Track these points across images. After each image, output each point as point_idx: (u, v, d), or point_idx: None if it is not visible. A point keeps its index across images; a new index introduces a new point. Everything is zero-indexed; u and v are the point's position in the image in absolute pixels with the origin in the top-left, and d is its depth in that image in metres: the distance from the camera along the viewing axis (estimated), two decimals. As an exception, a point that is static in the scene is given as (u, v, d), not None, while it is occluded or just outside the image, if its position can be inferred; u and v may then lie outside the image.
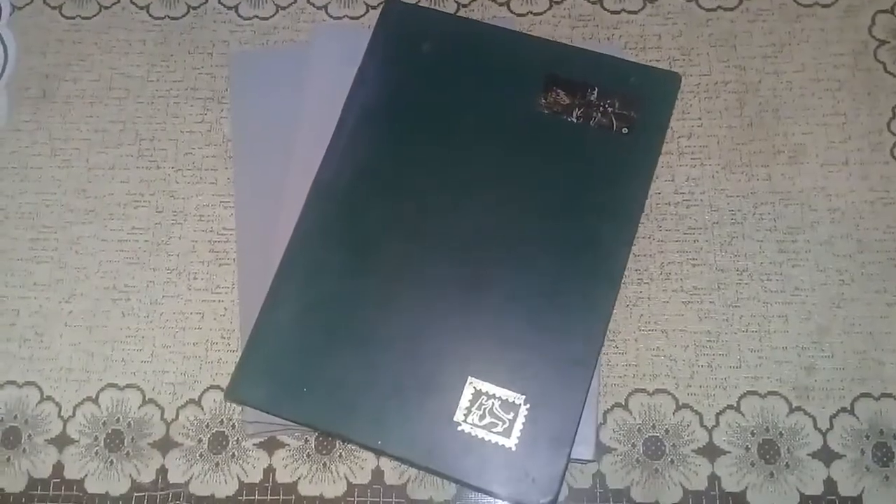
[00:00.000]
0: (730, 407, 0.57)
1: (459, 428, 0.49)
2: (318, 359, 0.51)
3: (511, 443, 0.49)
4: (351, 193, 0.55)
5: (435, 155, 0.55)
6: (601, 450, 0.56)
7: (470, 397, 0.50)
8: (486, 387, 0.50)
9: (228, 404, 0.58)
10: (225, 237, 0.62)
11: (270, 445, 0.57)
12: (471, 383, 0.50)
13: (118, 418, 0.59)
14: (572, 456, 0.51)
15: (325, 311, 0.52)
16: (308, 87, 0.62)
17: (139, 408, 0.59)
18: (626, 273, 0.58)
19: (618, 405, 0.57)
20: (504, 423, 0.49)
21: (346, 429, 0.50)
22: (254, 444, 0.57)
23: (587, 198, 0.53)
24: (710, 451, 0.56)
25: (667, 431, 0.56)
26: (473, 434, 0.49)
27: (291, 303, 0.52)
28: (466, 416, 0.49)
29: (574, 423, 0.49)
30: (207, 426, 0.58)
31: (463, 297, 0.51)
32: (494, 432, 0.49)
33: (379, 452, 0.53)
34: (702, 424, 0.56)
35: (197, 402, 0.59)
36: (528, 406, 0.49)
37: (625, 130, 0.55)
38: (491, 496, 0.52)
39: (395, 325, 0.51)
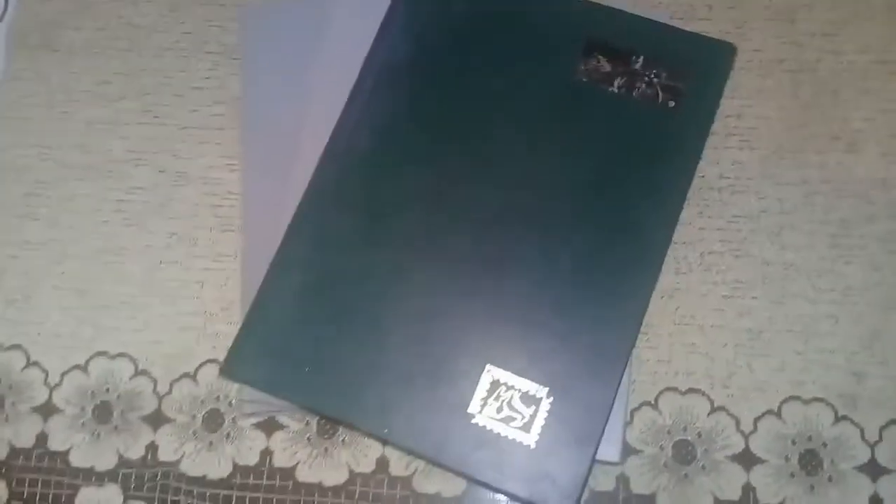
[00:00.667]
0: (770, 412, 0.52)
1: (474, 420, 0.45)
2: (323, 337, 0.47)
3: (531, 439, 0.44)
4: (367, 158, 0.50)
5: (461, 121, 0.50)
6: (627, 451, 0.51)
7: (487, 387, 0.45)
8: (505, 376, 0.45)
9: (226, 380, 0.54)
10: (230, 202, 0.57)
11: (269, 426, 0.53)
12: (489, 371, 0.45)
13: (107, 389, 0.55)
14: (597, 457, 0.46)
15: (334, 285, 0.48)
16: (325, 43, 0.57)
17: (130, 379, 0.55)
18: (665, 263, 0.54)
19: (647, 404, 0.52)
20: (524, 417, 0.44)
21: (351, 415, 0.46)
22: (251, 425, 0.53)
23: (627, 175, 0.49)
24: (746, 459, 0.51)
25: (699, 435, 0.52)
26: (489, 428, 0.44)
27: (297, 274, 0.48)
28: (482, 407, 0.45)
29: (602, 421, 0.44)
30: (202, 402, 0.54)
31: (485, 275, 0.47)
32: (513, 427, 0.44)
33: (385, 442, 0.48)
34: (738, 429, 0.52)
35: (192, 377, 0.54)
36: (551, 400, 0.45)
37: (671, 103, 0.50)
38: (506, 496, 0.47)
39: (408, 303, 0.47)
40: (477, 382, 0.45)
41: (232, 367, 0.48)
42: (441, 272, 0.47)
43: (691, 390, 0.52)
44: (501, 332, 0.46)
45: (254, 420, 0.53)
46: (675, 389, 0.52)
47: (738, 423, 0.52)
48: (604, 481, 0.51)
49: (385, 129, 0.51)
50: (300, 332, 0.47)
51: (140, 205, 0.58)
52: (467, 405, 0.45)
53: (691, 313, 0.54)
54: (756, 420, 0.52)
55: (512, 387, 0.45)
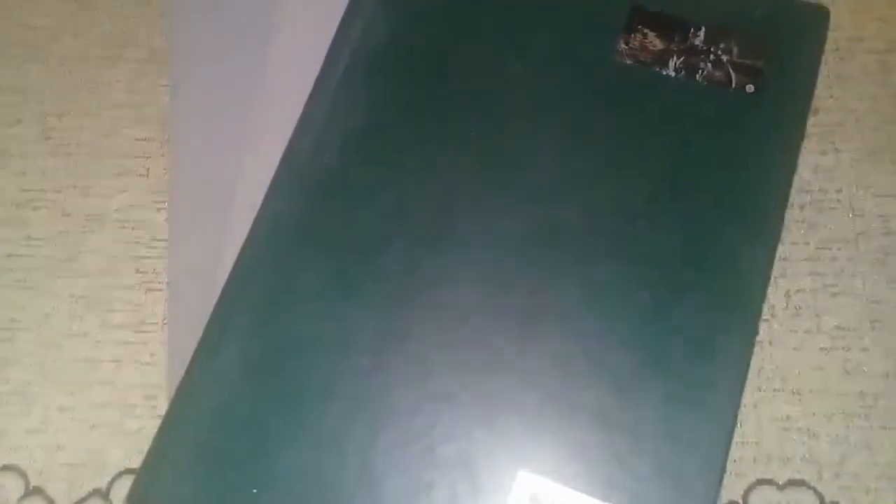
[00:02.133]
0: (902, 508, 0.38)
1: None
2: (277, 441, 0.32)
3: None
4: (337, 173, 0.36)
5: (464, 120, 0.37)
6: (711, 574, 0.37)
7: (525, 502, 0.31)
8: (548, 488, 0.31)
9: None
10: (157, 251, 0.43)
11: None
12: (523, 480, 0.31)
13: (-12, 517, 0.40)
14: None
15: (293, 361, 0.34)
16: (277, 37, 0.44)
17: (19, 501, 0.40)
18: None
19: (732, 504, 0.38)
20: None
21: None
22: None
23: (699, 189, 0.35)
24: (879, 578, 0.37)
25: (809, 545, 0.37)
26: None
27: (238, 346, 0.33)
28: None
29: None
30: (118, 531, 0.39)
31: (510, 339, 0.33)
32: None
33: None
34: (862, 535, 0.37)
35: (104, 495, 0.40)
36: None
37: (750, 88, 0.36)
38: None
39: (403, 383, 0.33)
40: (506, 498, 0.31)
41: (143, 490, 0.33)
42: (447, 336, 0.33)
43: (792, 482, 0.38)
44: (538, 422, 0.32)
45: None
46: (770, 482, 0.38)
47: (860, 524, 0.38)
48: None
49: (361, 134, 0.37)
50: (243, 435, 0.33)
51: (38, 259, 0.44)
52: None
53: (781, 375, 0.40)
54: (885, 520, 0.38)
55: (558, 501, 0.31)
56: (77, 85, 0.47)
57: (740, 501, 0.38)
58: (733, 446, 0.38)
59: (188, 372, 0.34)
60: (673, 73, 0.37)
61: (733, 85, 0.37)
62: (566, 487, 0.31)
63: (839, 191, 0.43)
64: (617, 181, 0.35)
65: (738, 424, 0.39)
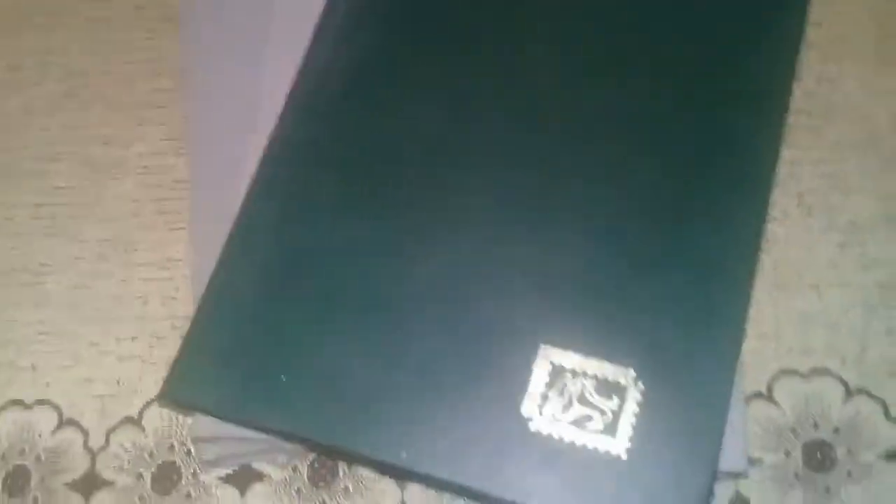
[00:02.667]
0: (928, 390, 0.38)
1: (532, 426, 0.30)
2: (302, 335, 0.33)
3: (619, 446, 0.30)
4: (350, 94, 0.37)
5: (476, 34, 0.38)
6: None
7: (546, 378, 0.31)
8: (570, 359, 0.31)
9: (183, 423, 0.39)
10: (178, 193, 0.44)
11: (243, 478, 0.38)
12: (545, 356, 0.31)
13: (23, 449, 0.40)
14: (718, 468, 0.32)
15: (313, 263, 0.34)
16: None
17: (53, 433, 0.41)
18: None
19: (758, 395, 0.38)
20: (604, 414, 0.30)
21: (350, 437, 0.31)
22: (218, 478, 0.39)
23: (712, 78, 0.36)
24: (909, 458, 0.37)
25: (836, 431, 0.37)
26: (554, 435, 0.30)
27: (261, 251, 0.34)
28: (542, 406, 0.31)
29: (722, 412, 0.30)
30: (151, 455, 0.40)
31: (526, 228, 0.33)
32: (590, 430, 0.30)
33: (404, 474, 0.34)
34: (888, 417, 0.37)
35: (136, 422, 0.40)
36: (641, 388, 0.30)
37: None
38: None
39: (420, 278, 0.33)
40: (530, 373, 0.31)
41: (174, 388, 0.34)
42: (463, 232, 0.34)
43: (815, 371, 0.38)
44: (558, 298, 0.32)
45: (221, 471, 0.39)
46: (793, 372, 0.38)
47: (885, 408, 0.37)
48: (714, 509, 0.36)
49: (369, 53, 0.38)
50: (270, 329, 0.33)
51: (64, 207, 0.45)
52: (519, 406, 0.31)
53: (797, 272, 0.40)
54: (911, 402, 0.38)
55: (582, 373, 0.31)
56: (96, 45, 0.49)
57: (765, 390, 0.38)
58: (752, 338, 0.39)
59: (213, 278, 0.35)
60: None
61: None
62: (586, 357, 0.31)
63: (847, 94, 0.43)
64: (631, 70, 0.36)
65: (758, 320, 0.39)
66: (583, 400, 0.30)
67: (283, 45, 0.43)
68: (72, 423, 0.41)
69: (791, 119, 0.43)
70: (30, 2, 0.50)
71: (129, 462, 0.39)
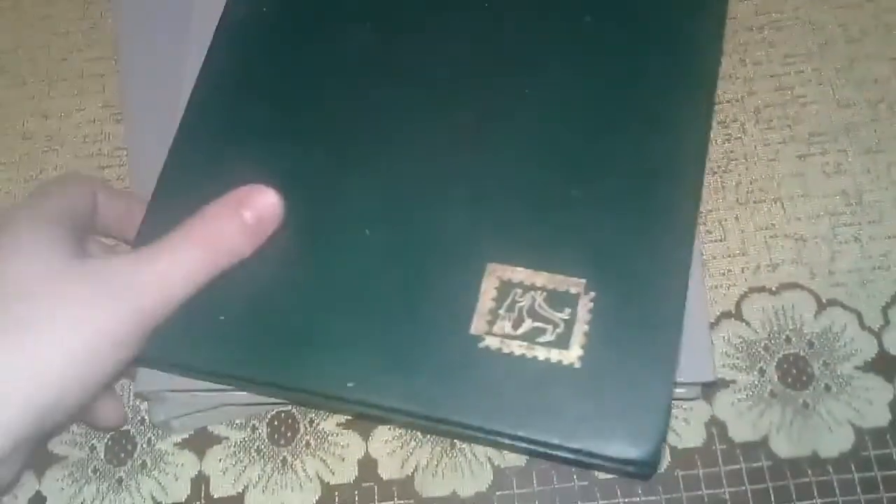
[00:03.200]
0: (902, 295, 0.36)
1: (482, 344, 0.29)
2: (237, 270, 0.31)
3: (572, 356, 0.28)
4: (277, 18, 0.36)
5: None
6: (712, 384, 0.35)
7: (494, 294, 0.29)
8: (518, 274, 0.30)
9: (131, 388, 0.38)
10: (119, 160, 0.43)
11: (200, 442, 0.37)
12: (493, 273, 0.30)
13: (-30, 431, 0.39)
14: (680, 379, 0.30)
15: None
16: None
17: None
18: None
19: (726, 315, 0.37)
20: (556, 326, 0.29)
21: (293, 371, 0.30)
22: (175, 444, 0.37)
23: None
24: (886, 365, 0.35)
25: (810, 344, 0.36)
26: (506, 351, 0.29)
27: (189, 193, 0.32)
28: (492, 323, 0.29)
29: (677, 316, 0.29)
30: (103, 426, 0.38)
31: (464, 143, 0.32)
32: (541, 343, 0.28)
33: (354, 408, 0.31)
34: (863, 326, 0.36)
35: (86, 393, 0.38)
36: (592, 295, 0.29)
37: None
38: (549, 457, 0.30)
39: (356, 203, 0.32)
40: (478, 290, 0.29)
41: None
42: (399, 154, 0.33)
43: (785, 286, 0.37)
44: (502, 213, 0.31)
45: (177, 437, 0.37)
46: (762, 289, 0.37)
47: (860, 318, 0.36)
48: (688, 433, 0.35)
49: None
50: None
51: (2, 183, 0.43)
52: (468, 325, 0.29)
53: (760, 186, 0.39)
54: (885, 309, 0.36)
55: (531, 286, 0.29)
56: (28, 19, 0.47)
57: (733, 309, 0.37)
58: (719, 259, 0.37)
59: (146, 217, 0.34)
60: None
61: None
62: (535, 271, 0.29)
63: (797, 8, 0.42)
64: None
65: (721, 239, 0.38)
66: (533, 313, 0.29)
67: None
68: (19, 400, 0.39)
69: (744, 37, 0.42)
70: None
71: (81, 435, 0.38)
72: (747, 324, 0.36)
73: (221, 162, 0.33)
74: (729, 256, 0.38)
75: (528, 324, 0.29)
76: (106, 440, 0.37)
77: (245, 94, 0.35)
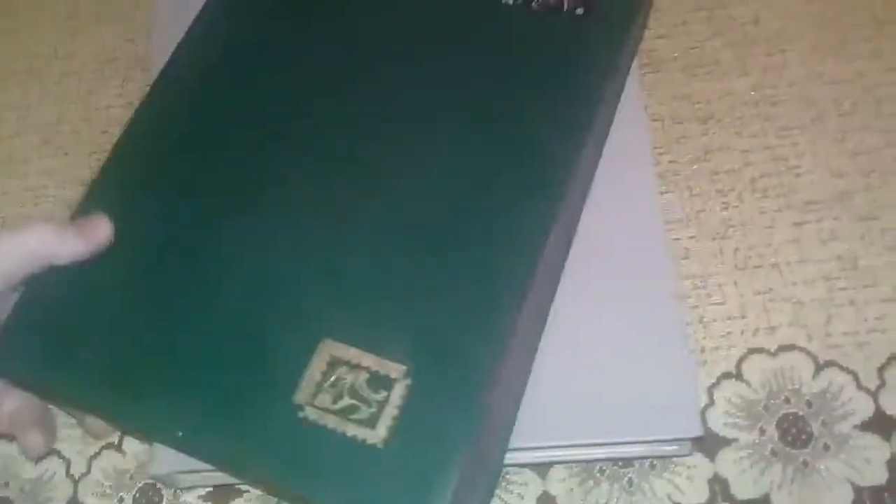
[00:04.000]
0: (896, 357, 0.38)
1: (302, 413, 0.31)
2: (108, 310, 0.35)
3: (377, 436, 0.30)
4: (191, 87, 0.41)
5: (297, 39, 0.41)
6: (715, 442, 0.37)
7: (323, 368, 0.31)
8: (348, 353, 0.32)
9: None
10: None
11: (223, 496, 0.39)
12: (325, 349, 0.32)
13: (6, 482, 0.41)
14: (668, 436, 0.32)
15: (124, 245, 0.36)
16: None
17: (35, 463, 0.41)
18: (703, 198, 0.42)
19: (727, 375, 0.38)
20: (370, 406, 0.31)
21: (130, 410, 0.33)
22: (199, 497, 0.39)
23: (523, 103, 0.37)
24: (882, 424, 0.37)
25: (809, 404, 0.37)
26: (322, 423, 0.31)
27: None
28: (314, 396, 0.31)
29: (473, 405, 0.30)
30: (132, 478, 0.40)
31: (320, 227, 0.35)
32: (353, 420, 0.31)
33: (184, 449, 0.33)
34: (860, 387, 0.37)
35: (117, 447, 0.41)
36: (408, 382, 0.31)
37: (579, 11, 0.39)
38: None
39: (218, 256, 0.35)
40: (309, 363, 0.32)
41: None
42: (267, 216, 0.36)
43: (784, 348, 0.39)
44: (347, 292, 0.33)
45: (201, 490, 0.39)
46: (761, 350, 0.39)
47: (857, 378, 0.38)
48: (691, 490, 0.36)
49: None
50: (80, 305, 0.35)
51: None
52: (292, 393, 0.31)
53: (758, 252, 0.41)
54: (881, 370, 0.38)
55: (357, 365, 0.31)
56: (73, 97, 0.51)
57: (734, 370, 0.38)
58: (719, 322, 0.39)
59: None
60: (511, 2, 0.40)
61: (566, 8, 0.39)
62: (365, 352, 0.32)
63: (791, 85, 0.45)
64: (444, 93, 0.38)
65: (722, 302, 0.40)
66: (353, 392, 0.31)
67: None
68: (53, 452, 0.41)
69: (741, 111, 0.44)
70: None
71: (110, 487, 0.40)
72: (747, 384, 0.38)
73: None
74: (729, 319, 0.39)
75: (345, 401, 0.31)
76: (134, 492, 0.39)
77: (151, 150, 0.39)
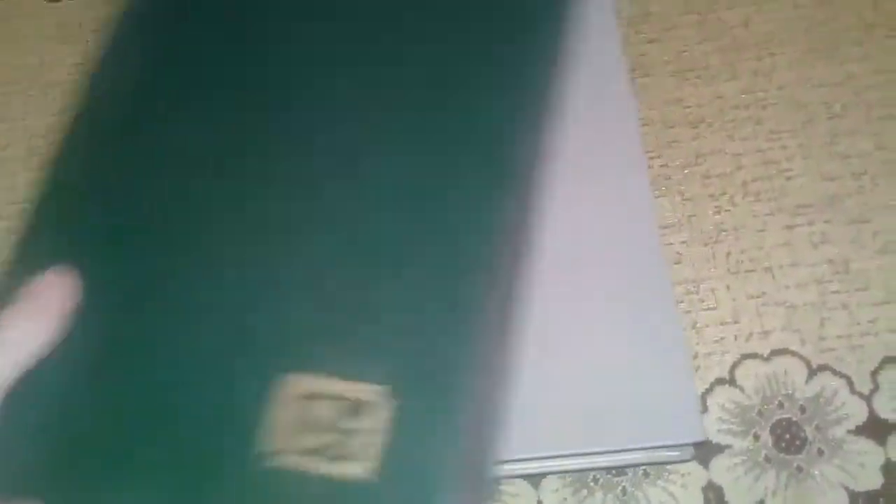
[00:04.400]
0: (890, 361, 0.38)
1: (271, 462, 0.28)
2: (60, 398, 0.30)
3: (365, 467, 0.27)
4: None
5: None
6: (709, 449, 0.37)
7: (291, 408, 0.28)
8: (317, 384, 0.29)
9: None
10: None
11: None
12: (290, 383, 0.29)
13: None
14: (670, 442, 0.31)
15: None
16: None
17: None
18: (695, 203, 0.41)
19: (720, 381, 0.38)
20: (352, 436, 0.28)
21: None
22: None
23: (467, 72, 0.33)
24: (876, 429, 0.36)
25: (802, 409, 0.37)
26: (298, 467, 0.28)
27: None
28: (287, 439, 0.28)
29: (461, 425, 0.27)
30: None
31: (270, 265, 0.31)
32: (335, 456, 0.27)
33: None
34: (853, 391, 0.37)
35: None
36: (390, 403, 0.28)
37: None
38: None
39: (154, 322, 0.31)
40: (274, 404, 0.28)
41: None
42: (204, 260, 0.32)
43: (777, 352, 0.38)
44: (306, 321, 0.30)
45: None
46: (754, 356, 0.38)
47: (850, 383, 0.37)
48: (686, 497, 0.36)
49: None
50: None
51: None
52: (259, 444, 0.28)
53: (750, 256, 0.40)
54: (874, 374, 0.37)
55: (330, 396, 0.29)
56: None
57: (727, 375, 0.38)
58: (712, 327, 0.39)
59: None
60: None
61: None
62: (337, 380, 0.29)
63: (781, 88, 0.44)
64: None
65: (714, 307, 0.39)
66: (329, 426, 0.28)
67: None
68: None
69: (731, 115, 0.44)
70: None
71: None
72: (741, 389, 0.38)
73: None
74: (721, 324, 0.39)
75: (324, 438, 0.28)
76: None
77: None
